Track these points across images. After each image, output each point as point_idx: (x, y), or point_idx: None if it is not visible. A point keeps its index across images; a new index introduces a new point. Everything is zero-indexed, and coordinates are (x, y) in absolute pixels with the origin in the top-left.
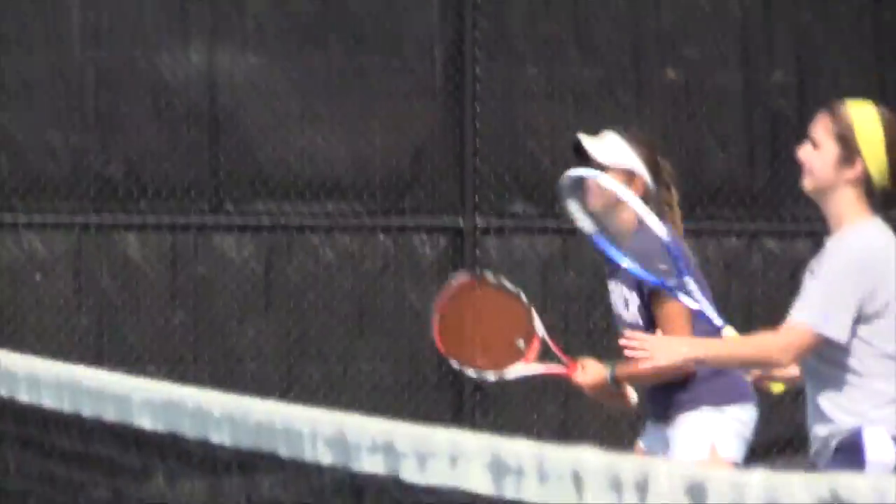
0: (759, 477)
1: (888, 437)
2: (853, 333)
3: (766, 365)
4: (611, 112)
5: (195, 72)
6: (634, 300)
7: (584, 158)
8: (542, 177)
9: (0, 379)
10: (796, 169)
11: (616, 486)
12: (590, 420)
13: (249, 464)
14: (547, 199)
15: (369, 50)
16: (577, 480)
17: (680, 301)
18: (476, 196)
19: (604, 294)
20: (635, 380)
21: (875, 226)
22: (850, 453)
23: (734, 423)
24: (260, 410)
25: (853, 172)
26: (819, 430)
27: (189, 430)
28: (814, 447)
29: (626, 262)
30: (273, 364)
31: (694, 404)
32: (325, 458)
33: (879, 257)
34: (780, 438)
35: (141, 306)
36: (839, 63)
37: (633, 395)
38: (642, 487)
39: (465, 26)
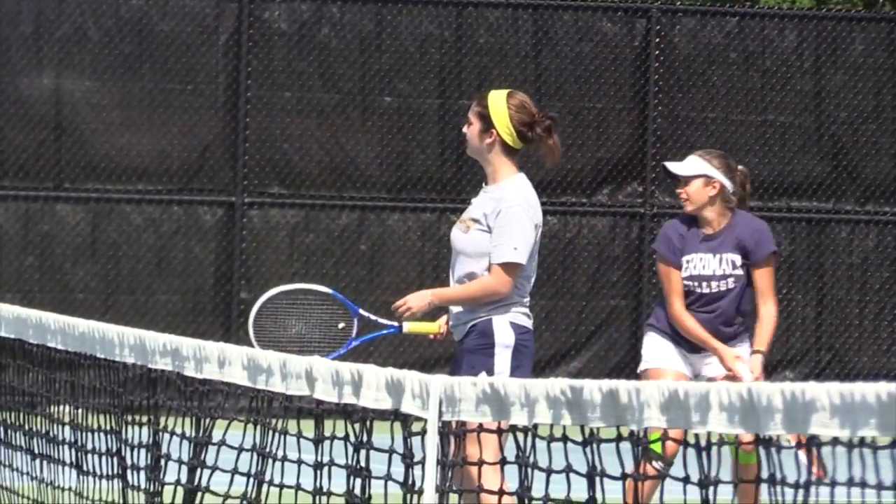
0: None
1: (507, 323)
2: None
3: (492, 297)
4: (343, 126)
5: (46, 91)
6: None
7: (671, 176)
8: (293, 168)
9: None
10: (474, 165)
11: (338, 383)
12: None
13: (75, 362)
14: (295, 183)
15: (172, 79)
16: (310, 379)
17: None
18: (245, 181)
19: (330, 246)
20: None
21: (520, 179)
22: (482, 335)
23: None
24: (83, 324)
25: (490, 139)
26: (462, 317)
27: (32, 337)
28: (456, 328)
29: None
30: (95, 295)
31: (737, 340)
32: (129, 359)
33: (532, 202)
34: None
35: (2, 254)
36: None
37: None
38: (357, 385)
39: (241, 63)
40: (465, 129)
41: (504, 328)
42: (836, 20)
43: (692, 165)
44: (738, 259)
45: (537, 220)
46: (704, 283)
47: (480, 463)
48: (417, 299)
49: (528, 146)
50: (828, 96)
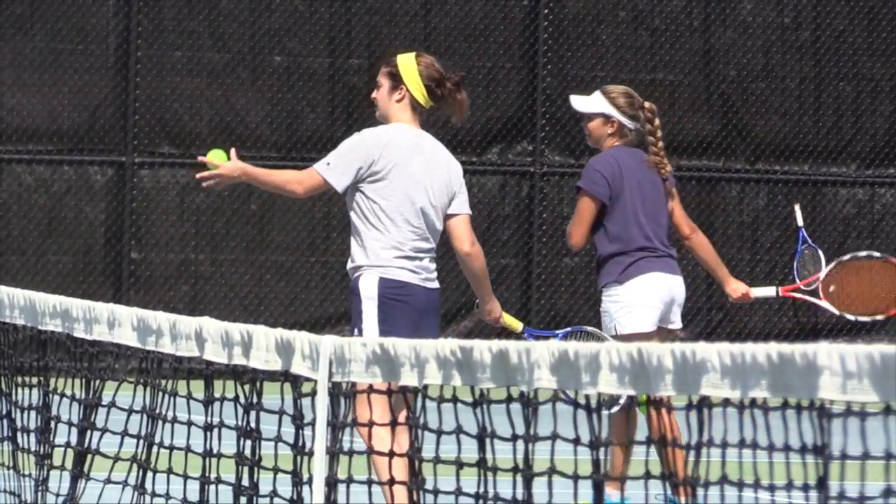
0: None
1: (376, 278)
2: (360, 191)
3: (286, 191)
4: (233, 85)
5: None
6: None
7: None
8: (183, 128)
9: None
10: (364, 124)
11: (228, 344)
12: (212, 299)
13: None
14: (186, 143)
15: (63, 39)
16: (200, 340)
17: None
18: (135, 140)
19: (220, 205)
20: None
21: (397, 126)
22: (353, 293)
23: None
24: None
25: (400, 95)
26: (349, 265)
27: None
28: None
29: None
30: None
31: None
32: (19, 320)
33: (383, 139)
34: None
35: None
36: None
37: None
38: (247, 346)
39: (131, 23)
40: (374, 96)
41: (369, 283)
42: None
43: (593, 103)
44: None
45: (378, 154)
46: None
47: (370, 424)
48: (229, 169)
49: (436, 105)
50: (717, 55)
